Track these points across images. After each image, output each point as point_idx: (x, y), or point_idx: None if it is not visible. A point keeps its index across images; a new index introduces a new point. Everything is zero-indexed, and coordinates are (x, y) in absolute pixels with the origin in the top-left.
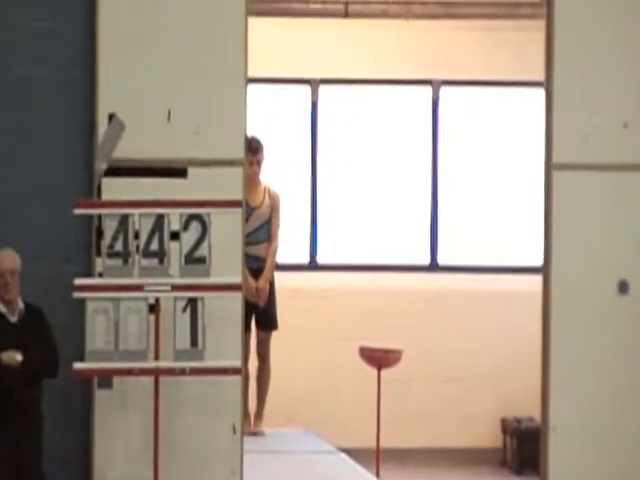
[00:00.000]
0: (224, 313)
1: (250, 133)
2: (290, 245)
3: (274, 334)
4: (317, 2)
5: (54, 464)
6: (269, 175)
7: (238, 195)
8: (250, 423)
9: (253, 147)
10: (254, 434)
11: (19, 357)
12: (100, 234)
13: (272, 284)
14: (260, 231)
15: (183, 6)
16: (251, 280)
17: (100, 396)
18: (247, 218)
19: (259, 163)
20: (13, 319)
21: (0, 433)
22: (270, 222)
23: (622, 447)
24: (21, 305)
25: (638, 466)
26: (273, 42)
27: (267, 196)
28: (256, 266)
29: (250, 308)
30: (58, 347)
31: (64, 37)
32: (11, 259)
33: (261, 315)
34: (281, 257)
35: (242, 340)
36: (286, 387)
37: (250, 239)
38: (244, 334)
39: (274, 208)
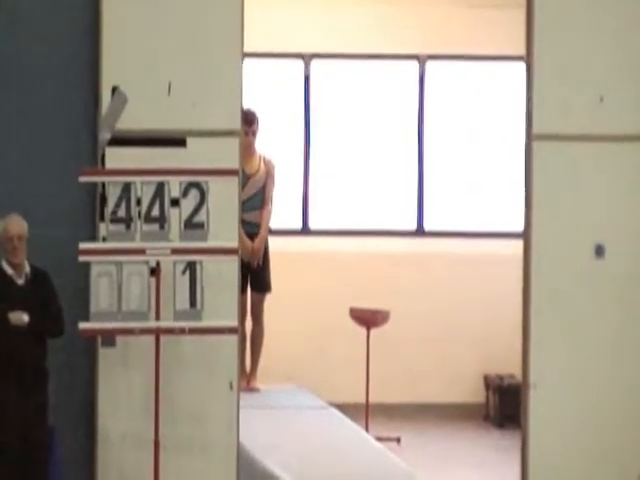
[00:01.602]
0: (221, 275)
1: (246, 106)
2: (283, 212)
3: (268, 296)
4: None
5: (59, 419)
6: (264, 145)
7: (234, 164)
8: (246, 380)
9: (248, 118)
10: (249, 390)
11: (26, 318)
12: (104, 201)
13: (266, 248)
14: (256, 198)
15: None
16: (247, 242)
17: (104, 354)
18: (243, 186)
19: (254, 133)
20: (20, 282)
21: (8, 389)
22: (265, 189)
23: (598, 403)
24: (27, 268)
25: (615, 422)
26: (268, 19)
27: (262, 164)
28: (252, 231)
29: (246, 270)
30: (63, 308)
31: (68, 12)
32: (18, 224)
33: (255, 277)
34: (274, 223)
35: (238, 301)
36: (280, 347)
37: (246, 206)
38: (240, 295)
39: (269, 174)
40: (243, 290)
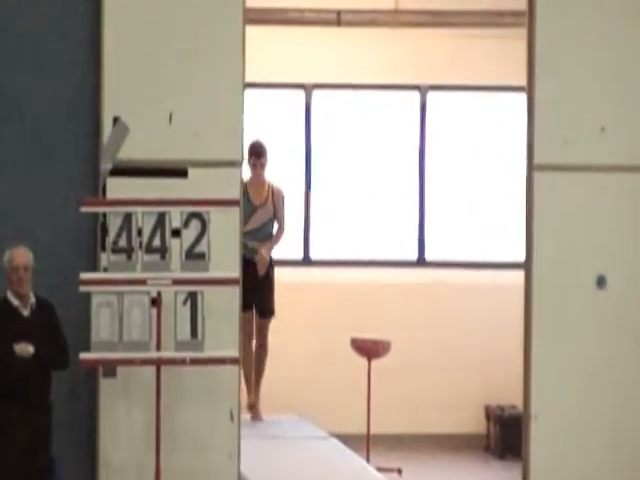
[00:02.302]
0: (222, 306)
1: (249, 137)
2: (285, 242)
3: (272, 327)
4: (311, 11)
5: (61, 450)
6: (267, 175)
7: (235, 194)
8: (252, 396)
9: (257, 150)
10: (252, 417)
11: (31, 349)
12: (105, 231)
13: (271, 274)
14: (265, 227)
15: (184, 15)
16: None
17: (105, 385)
18: (251, 216)
19: (263, 165)
20: (26, 312)
21: (15, 421)
22: (273, 220)
23: (601, 435)
24: (33, 299)
25: (616, 453)
26: (269, 49)
27: (270, 194)
28: (253, 258)
29: (250, 290)
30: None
31: (70, 43)
32: (24, 255)
33: (261, 302)
34: (277, 254)
35: (240, 323)
36: (282, 376)
37: (254, 235)
38: (243, 313)
39: (277, 201)
40: (246, 308)
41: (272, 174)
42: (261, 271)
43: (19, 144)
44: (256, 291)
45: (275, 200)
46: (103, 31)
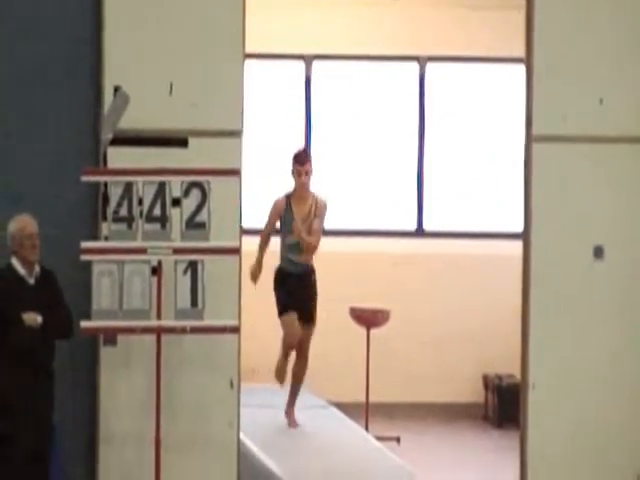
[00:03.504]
0: (222, 275)
1: (259, 111)
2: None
3: (271, 296)
4: None
5: (61, 418)
6: (268, 147)
7: (236, 164)
8: (285, 377)
9: (301, 158)
10: (288, 422)
11: (39, 319)
12: (106, 200)
13: (314, 283)
14: (309, 245)
15: None
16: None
17: (105, 353)
18: (292, 228)
19: (307, 173)
20: (31, 281)
21: (21, 389)
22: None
23: (597, 403)
24: (37, 268)
25: (612, 420)
26: (270, 20)
27: (314, 208)
28: (295, 270)
29: (293, 300)
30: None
31: (70, 14)
32: (33, 223)
33: (302, 311)
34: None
35: (284, 323)
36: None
37: (295, 248)
38: (285, 314)
39: (320, 215)
40: (289, 308)
41: (272, 146)
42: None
43: (20, 115)
44: (299, 301)
45: (318, 214)
46: (104, 7)
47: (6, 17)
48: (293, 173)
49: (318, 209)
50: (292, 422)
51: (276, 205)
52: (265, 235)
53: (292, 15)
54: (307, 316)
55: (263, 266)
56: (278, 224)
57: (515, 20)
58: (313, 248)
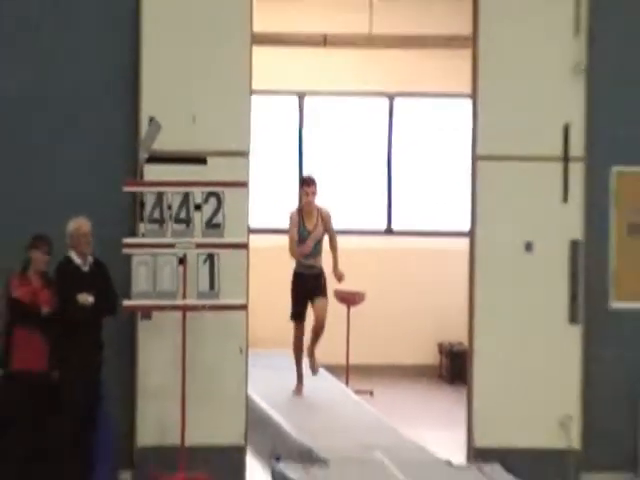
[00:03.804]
0: (234, 264)
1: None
2: (278, 213)
3: (272, 279)
4: (303, 35)
5: (109, 375)
6: (270, 165)
7: (244, 177)
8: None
9: (308, 182)
10: (313, 369)
11: (91, 299)
12: (142, 206)
13: (324, 283)
14: (316, 246)
15: (205, 37)
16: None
17: (142, 325)
18: (305, 239)
19: (313, 193)
20: (85, 269)
21: (78, 352)
22: (322, 239)
23: (528, 363)
24: (90, 259)
25: (540, 377)
26: (271, 64)
27: (320, 219)
28: (309, 272)
29: (305, 297)
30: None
31: (113, 60)
32: (87, 223)
33: (315, 296)
34: (276, 224)
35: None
36: (281, 319)
37: (307, 256)
38: (294, 321)
39: (327, 223)
40: (297, 318)
41: (274, 160)
42: (339, 280)
43: (77, 142)
44: (311, 294)
45: (324, 222)
46: (141, 55)
47: (62, 52)
48: (302, 193)
49: (324, 219)
50: (314, 366)
51: (292, 218)
52: (292, 238)
53: (288, 61)
54: (320, 293)
55: (268, 260)
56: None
57: (464, 65)
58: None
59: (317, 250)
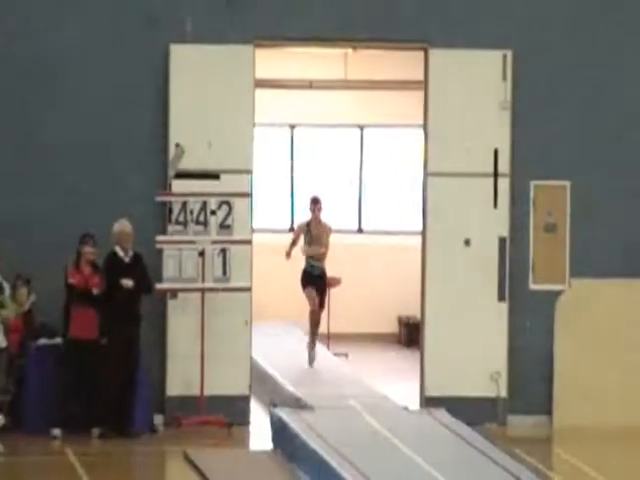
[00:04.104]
0: (241, 256)
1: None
2: (274, 217)
3: (273, 268)
4: (294, 80)
5: (145, 343)
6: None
7: (248, 190)
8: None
9: (316, 200)
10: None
11: (131, 283)
12: (170, 211)
13: (325, 280)
14: (320, 252)
15: (219, 84)
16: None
17: (171, 304)
18: (311, 244)
19: (320, 209)
20: (127, 259)
21: (122, 324)
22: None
23: (467, 329)
24: (131, 252)
25: (477, 338)
26: (269, 103)
27: (323, 229)
28: (313, 271)
29: (313, 279)
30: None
31: (149, 103)
32: (129, 225)
33: (319, 293)
34: (273, 225)
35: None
36: (278, 298)
37: (314, 257)
38: (307, 289)
39: (327, 235)
40: (309, 285)
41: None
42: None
43: (121, 167)
44: (316, 288)
45: (326, 234)
46: (169, 97)
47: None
48: (310, 209)
49: (325, 231)
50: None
51: (300, 227)
52: (293, 240)
53: (282, 100)
54: (322, 293)
55: (267, 253)
56: (302, 241)
57: (417, 101)
58: (323, 254)
59: (322, 255)
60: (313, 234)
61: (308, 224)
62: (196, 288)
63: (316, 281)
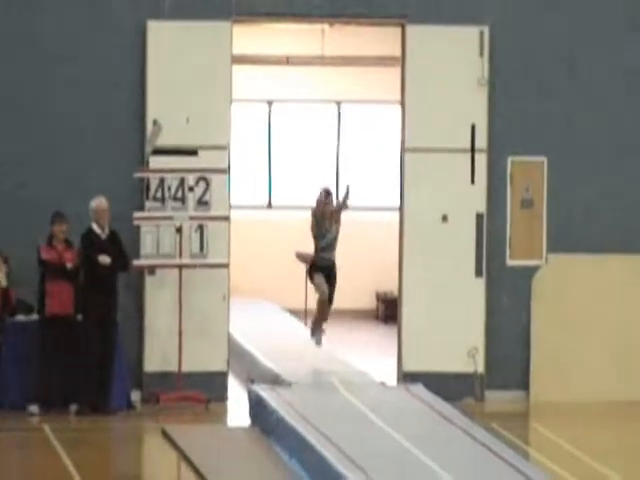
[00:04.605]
0: (218, 232)
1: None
2: (252, 193)
3: (256, 243)
4: (271, 56)
5: (123, 318)
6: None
7: (225, 166)
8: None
9: (327, 193)
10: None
11: (108, 259)
12: (148, 188)
13: (336, 270)
14: (330, 245)
15: (196, 60)
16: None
17: (148, 279)
18: (325, 236)
19: (330, 202)
20: (103, 236)
21: (98, 300)
22: (336, 239)
23: (443, 303)
24: (107, 229)
25: (452, 312)
26: (246, 79)
27: (334, 222)
28: (327, 264)
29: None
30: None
31: (126, 77)
32: (105, 202)
33: (330, 285)
34: (244, 200)
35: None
36: (256, 275)
37: (324, 250)
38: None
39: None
40: (319, 271)
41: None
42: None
43: (97, 141)
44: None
45: (337, 224)
46: (147, 73)
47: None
48: (321, 201)
49: (336, 223)
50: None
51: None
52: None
53: (259, 76)
54: (332, 286)
55: (245, 230)
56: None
57: (394, 78)
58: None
59: (332, 247)
60: (326, 226)
61: (322, 215)
62: (173, 264)
63: (326, 271)
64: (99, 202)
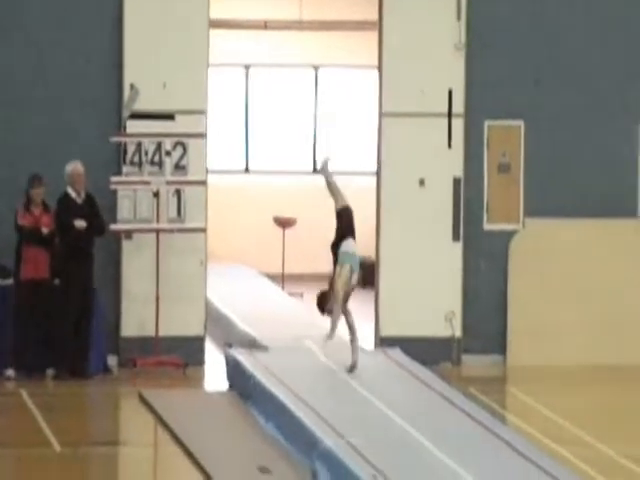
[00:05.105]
0: (195, 197)
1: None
2: (229, 158)
3: (239, 211)
4: (249, 20)
5: (100, 284)
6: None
7: (203, 130)
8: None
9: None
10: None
11: (84, 223)
12: (125, 152)
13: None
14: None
15: (174, 22)
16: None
17: (125, 244)
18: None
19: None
20: (79, 201)
21: (75, 263)
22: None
23: (420, 268)
24: (83, 193)
25: (428, 276)
26: (224, 43)
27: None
28: None
29: None
30: (103, 218)
31: (98, 40)
32: (81, 167)
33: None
34: (222, 165)
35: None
36: (234, 240)
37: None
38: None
39: None
40: None
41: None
42: None
43: (72, 105)
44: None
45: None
46: (124, 37)
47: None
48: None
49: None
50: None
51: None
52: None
53: (237, 40)
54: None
55: (222, 194)
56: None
57: (371, 42)
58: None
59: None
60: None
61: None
62: (151, 229)
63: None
64: (74, 166)
